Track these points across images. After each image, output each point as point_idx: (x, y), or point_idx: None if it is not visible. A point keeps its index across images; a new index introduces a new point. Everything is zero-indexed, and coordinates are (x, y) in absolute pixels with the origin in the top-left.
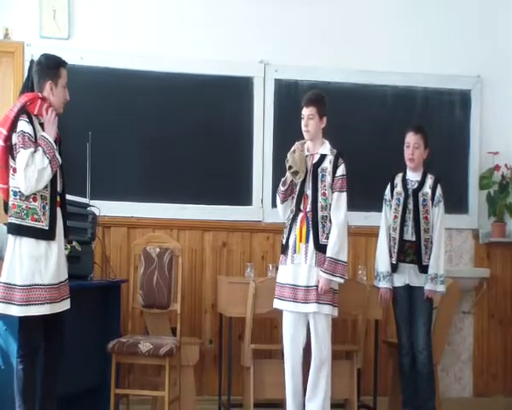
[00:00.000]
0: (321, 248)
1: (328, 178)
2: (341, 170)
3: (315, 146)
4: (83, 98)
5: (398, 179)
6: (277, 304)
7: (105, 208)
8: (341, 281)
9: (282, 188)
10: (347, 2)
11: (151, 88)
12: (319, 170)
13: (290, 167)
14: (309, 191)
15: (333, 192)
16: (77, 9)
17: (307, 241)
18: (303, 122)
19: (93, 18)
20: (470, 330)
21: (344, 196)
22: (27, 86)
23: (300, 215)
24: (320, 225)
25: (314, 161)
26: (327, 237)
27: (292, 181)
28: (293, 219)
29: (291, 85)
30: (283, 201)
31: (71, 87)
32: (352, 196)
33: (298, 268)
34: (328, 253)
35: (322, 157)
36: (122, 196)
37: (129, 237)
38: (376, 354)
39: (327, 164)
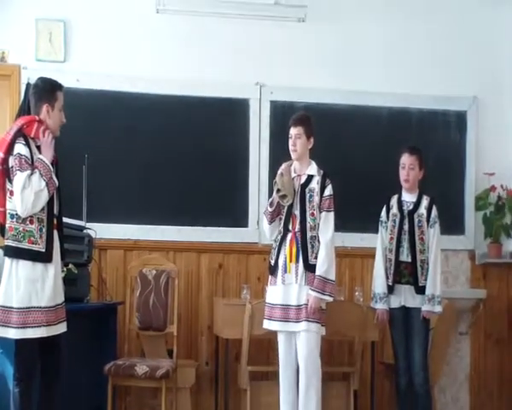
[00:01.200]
0: (310, 268)
1: (316, 199)
2: (329, 190)
3: (302, 167)
4: (79, 120)
5: (394, 201)
6: (268, 325)
7: (101, 231)
8: (330, 299)
9: (269, 209)
10: (343, 24)
11: (147, 110)
12: (307, 190)
13: (278, 190)
14: (297, 211)
15: (321, 212)
16: (73, 32)
17: (297, 261)
18: (290, 142)
19: (89, 41)
20: (467, 350)
21: (331, 215)
22: (24, 109)
23: (289, 235)
24: (309, 245)
25: (301, 182)
26: (316, 257)
27: (279, 202)
28: (282, 240)
29: (286, 107)
30: (271, 222)
31: (67, 109)
32: (348, 218)
33: (289, 288)
34: (317, 271)
35: (310, 178)
36: (118, 218)
37: (125, 259)
38: (373, 376)
39: (314, 184)
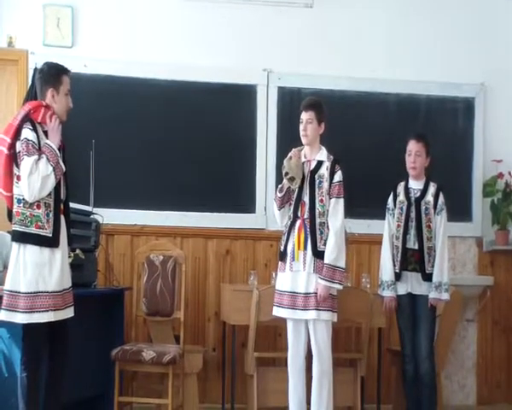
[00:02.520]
0: (319, 255)
1: (326, 185)
2: (338, 176)
3: (312, 152)
4: (86, 106)
5: (401, 188)
6: (276, 311)
7: (108, 216)
8: (340, 287)
9: (278, 194)
10: (351, 10)
11: (154, 96)
12: (316, 176)
13: (287, 174)
14: (306, 198)
15: (330, 198)
16: (80, 18)
17: (305, 248)
18: (301, 126)
19: (96, 26)
20: (474, 337)
21: (341, 202)
22: (31, 94)
23: (298, 222)
24: (318, 232)
25: (311, 168)
26: (325, 244)
27: (289, 188)
28: (291, 226)
29: (294, 93)
30: (280, 207)
31: (74, 95)
32: (355, 204)
33: (296, 275)
34: (326, 259)
35: (319, 164)
36: (125, 203)
37: (132, 244)
38: (380, 362)
39: (324, 170)
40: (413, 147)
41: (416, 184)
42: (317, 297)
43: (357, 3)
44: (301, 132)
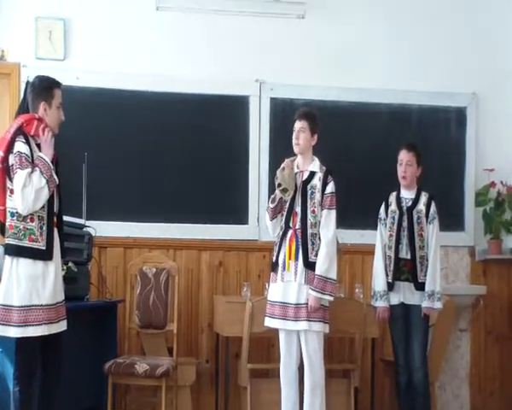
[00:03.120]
0: (310, 266)
1: (318, 196)
2: (331, 187)
3: (304, 163)
4: (79, 118)
5: (393, 198)
6: (268, 322)
7: (101, 229)
8: (331, 299)
9: (271, 205)
10: (343, 21)
11: (147, 108)
12: (308, 187)
13: (279, 185)
14: (298, 208)
15: (322, 210)
16: (72, 31)
17: (296, 258)
18: (294, 135)
19: (88, 39)
20: (467, 347)
21: (333, 213)
22: (23, 107)
23: (290, 232)
24: (309, 243)
25: (303, 178)
26: (316, 255)
27: (281, 198)
28: (283, 237)
29: (286, 104)
30: (272, 218)
31: (67, 107)
32: (348, 214)
33: (288, 286)
34: (318, 271)
35: (312, 174)
36: (118, 216)
37: (125, 257)
38: (373, 373)
39: (316, 181)
40: (404, 156)
41: (407, 194)
42: (308, 308)
43: (349, 14)
44: (293, 141)
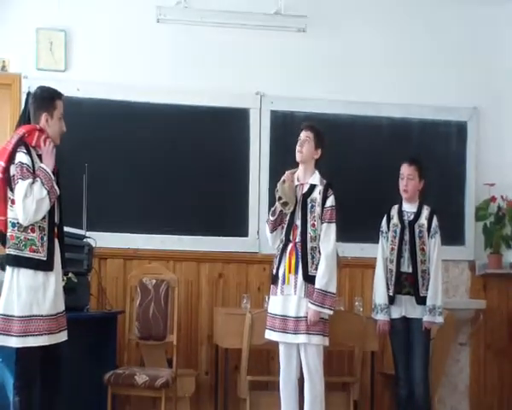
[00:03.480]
0: (310, 279)
1: (318, 209)
2: (331, 201)
3: (305, 175)
4: (79, 129)
5: (395, 211)
6: (269, 335)
7: (101, 240)
8: (330, 313)
9: (271, 217)
10: (344, 34)
11: (147, 119)
12: (308, 200)
13: (280, 198)
14: (298, 222)
15: (322, 223)
16: (73, 42)
17: (296, 272)
18: (298, 144)
19: (89, 50)
20: (467, 361)
21: (333, 227)
22: (24, 118)
23: (290, 246)
24: (309, 256)
25: (304, 191)
26: (316, 268)
27: (281, 211)
28: (283, 250)
29: (287, 117)
30: (272, 230)
31: (67, 118)
32: (348, 228)
33: (287, 299)
34: (317, 284)
35: (312, 187)
36: (118, 227)
37: (125, 268)
38: (373, 386)
39: (316, 194)
40: (405, 170)
41: (409, 207)
42: (308, 322)
43: (350, 28)
44: (297, 149)
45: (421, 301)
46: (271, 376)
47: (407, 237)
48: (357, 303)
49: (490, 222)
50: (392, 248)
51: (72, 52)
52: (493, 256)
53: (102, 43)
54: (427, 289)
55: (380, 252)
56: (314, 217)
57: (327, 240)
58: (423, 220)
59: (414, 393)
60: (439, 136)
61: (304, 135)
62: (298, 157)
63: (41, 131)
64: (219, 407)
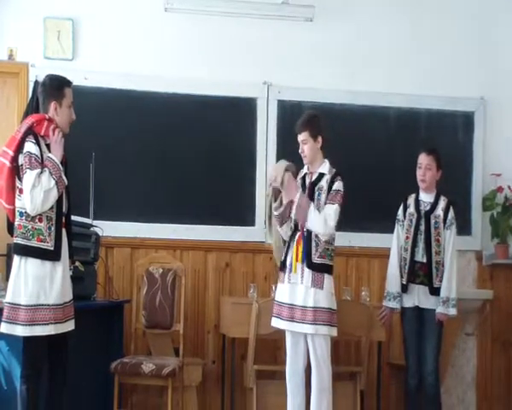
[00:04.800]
0: (314, 267)
1: (323, 197)
2: (336, 185)
3: (314, 166)
4: (86, 119)
5: (411, 200)
6: (275, 322)
7: (108, 229)
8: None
9: (275, 213)
10: (351, 24)
11: (155, 109)
12: (316, 188)
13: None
14: None
15: (325, 204)
16: (81, 30)
17: (303, 261)
18: (299, 148)
19: (97, 39)
20: (473, 351)
21: (334, 207)
22: (32, 107)
23: (298, 234)
24: (313, 244)
25: (312, 180)
26: (320, 256)
27: (285, 206)
28: (292, 238)
29: (294, 106)
30: (281, 224)
31: (75, 108)
32: (355, 218)
33: (295, 288)
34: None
35: (321, 176)
36: (125, 216)
37: (132, 257)
38: (379, 376)
39: (323, 183)
40: (423, 160)
41: (426, 197)
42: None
43: (357, 18)
44: (301, 153)
45: (435, 291)
46: (278, 365)
47: (422, 227)
48: (363, 293)
49: (497, 212)
50: (408, 237)
51: (79, 41)
52: (500, 246)
53: (110, 32)
54: (440, 281)
55: (395, 240)
56: (320, 204)
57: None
58: (439, 211)
59: (423, 382)
60: (446, 126)
61: (300, 138)
62: (305, 161)
63: (50, 120)
64: (226, 397)
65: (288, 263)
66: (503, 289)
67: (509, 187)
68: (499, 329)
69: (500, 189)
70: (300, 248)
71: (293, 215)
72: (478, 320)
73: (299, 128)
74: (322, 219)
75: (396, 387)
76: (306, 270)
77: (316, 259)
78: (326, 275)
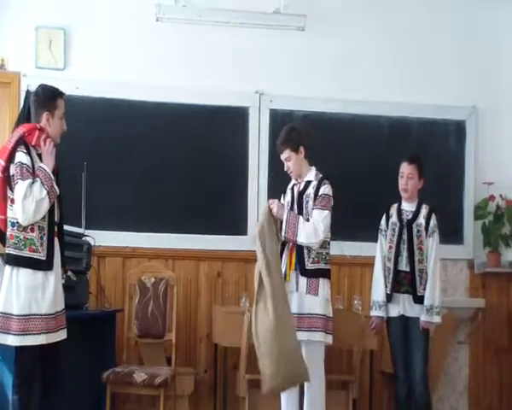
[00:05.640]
0: (308, 274)
1: (311, 203)
2: (323, 190)
3: (301, 176)
4: (78, 128)
5: (394, 210)
6: None
7: (100, 238)
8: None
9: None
10: (342, 33)
11: (146, 118)
12: (304, 197)
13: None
14: None
15: (313, 210)
16: (73, 40)
17: (296, 268)
18: (284, 166)
19: (89, 49)
20: (466, 360)
21: (324, 213)
22: (23, 117)
23: (290, 243)
24: (305, 251)
25: (300, 189)
26: (313, 262)
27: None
28: (283, 247)
29: (286, 116)
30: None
31: (66, 117)
32: (347, 227)
33: (290, 296)
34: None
35: (308, 184)
36: (117, 225)
37: (124, 266)
38: (372, 385)
39: (310, 190)
40: (405, 169)
41: (408, 206)
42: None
43: (349, 27)
44: (286, 170)
45: (419, 300)
46: None
47: (405, 236)
48: (355, 302)
49: (489, 221)
50: (391, 247)
51: (71, 50)
52: (492, 255)
53: (102, 41)
54: (424, 289)
55: (378, 250)
56: (308, 211)
57: (319, 215)
58: (421, 219)
59: (413, 391)
60: (437, 135)
61: (283, 157)
62: (293, 177)
63: (41, 130)
64: (218, 406)
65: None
66: (495, 298)
67: (500, 196)
68: (491, 337)
69: (492, 197)
70: (294, 257)
71: (284, 234)
72: (470, 328)
73: (279, 148)
74: (311, 228)
75: (388, 395)
76: (301, 277)
77: (309, 265)
78: (321, 280)
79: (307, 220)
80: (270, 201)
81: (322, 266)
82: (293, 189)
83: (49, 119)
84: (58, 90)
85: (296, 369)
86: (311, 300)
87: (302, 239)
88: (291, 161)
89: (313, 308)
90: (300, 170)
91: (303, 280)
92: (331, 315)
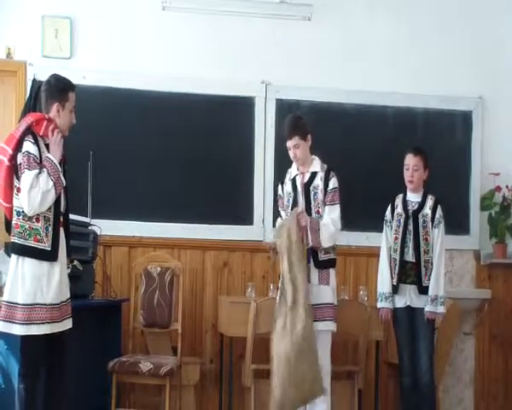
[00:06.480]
0: (321, 265)
1: (321, 195)
2: (332, 183)
3: (305, 165)
4: (84, 117)
5: (399, 200)
6: None
7: (106, 228)
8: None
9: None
10: (349, 23)
11: (153, 107)
12: (311, 188)
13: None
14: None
15: (325, 206)
16: (79, 29)
17: (308, 260)
18: (290, 153)
19: (95, 37)
20: (471, 351)
21: (336, 208)
22: (29, 105)
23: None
24: None
25: (305, 181)
26: (326, 253)
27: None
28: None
29: (292, 105)
30: None
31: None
32: (353, 217)
33: None
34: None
35: (313, 175)
36: (123, 215)
37: (130, 256)
38: (377, 375)
39: (318, 181)
40: (410, 161)
41: (414, 197)
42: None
43: (355, 17)
44: (292, 158)
45: (424, 290)
46: None
47: (411, 227)
48: (361, 292)
49: (495, 212)
50: (396, 238)
51: (77, 39)
52: (498, 246)
53: (108, 30)
54: (429, 279)
55: (384, 241)
56: (318, 204)
57: (331, 213)
58: (427, 210)
59: (418, 382)
60: (444, 125)
61: (291, 144)
62: (298, 164)
63: (49, 120)
64: (224, 396)
65: None
66: (501, 289)
67: (507, 186)
68: (497, 328)
69: (498, 188)
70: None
71: (310, 242)
72: (476, 320)
73: (289, 134)
74: (332, 230)
75: (394, 386)
76: (313, 269)
77: (322, 256)
78: (331, 270)
79: (317, 213)
80: (299, 210)
81: (331, 256)
82: (294, 179)
83: (59, 110)
84: (70, 83)
85: (305, 395)
86: (323, 289)
87: (326, 244)
88: (299, 148)
89: (325, 298)
90: (306, 159)
91: (315, 271)
92: (336, 303)
